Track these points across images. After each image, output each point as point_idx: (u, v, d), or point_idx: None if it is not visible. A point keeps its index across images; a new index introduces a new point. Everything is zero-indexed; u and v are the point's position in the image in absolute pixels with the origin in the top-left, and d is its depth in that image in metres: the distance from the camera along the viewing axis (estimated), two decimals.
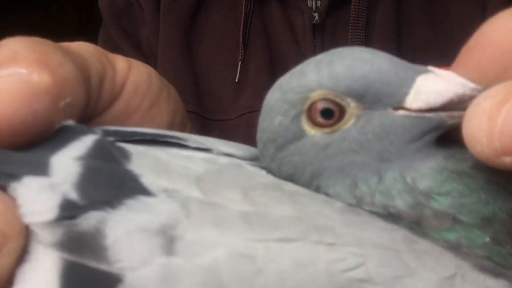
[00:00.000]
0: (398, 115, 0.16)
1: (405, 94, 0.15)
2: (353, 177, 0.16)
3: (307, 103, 0.16)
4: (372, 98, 0.16)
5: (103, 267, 0.13)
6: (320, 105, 0.16)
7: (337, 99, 0.16)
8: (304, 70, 0.17)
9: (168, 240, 0.13)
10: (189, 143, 0.17)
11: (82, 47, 0.22)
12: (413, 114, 0.16)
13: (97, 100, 0.20)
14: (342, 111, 0.16)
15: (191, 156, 0.16)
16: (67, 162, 0.15)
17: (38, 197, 0.14)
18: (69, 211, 0.14)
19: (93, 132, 0.16)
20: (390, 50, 0.59)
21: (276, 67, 0.59)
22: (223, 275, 0.12)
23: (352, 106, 0.16)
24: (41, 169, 0.14)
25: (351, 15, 0.58)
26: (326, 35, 0.59)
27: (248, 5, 0.58)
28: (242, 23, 0.58)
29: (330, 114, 0.16)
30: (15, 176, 0.14)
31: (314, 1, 0.60)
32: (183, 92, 0.55)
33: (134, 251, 0.13)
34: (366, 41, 0.58)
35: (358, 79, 0.16)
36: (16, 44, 0.19)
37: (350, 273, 0.13)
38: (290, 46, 0.59)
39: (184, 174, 0.15)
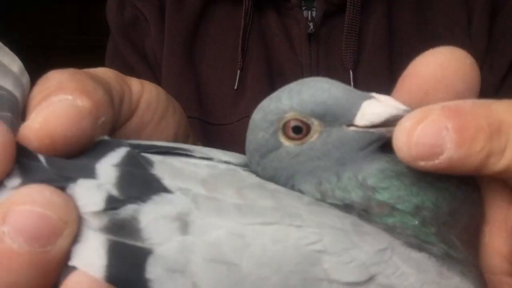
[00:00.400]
0: (350, 130, 0.21)
1: (354, 115, 0.21)
2: (318, 177, 0.21)
3: (282, 122, 0.22)
4: (330, 118, 0.21)
5: (138, 244, 0.18)
6: (292, 123, 0.21)
7: (304, 119, 0.21)
8: (280, 96, 0.22)
9: (183, 224, 0.19)
10: (195, 154, 0.23)
11: (105, 73, 0.25)
12: (361, 130, 0.21)
13: (118, 116, 0.25)
14: (308, 128, 0.21)
15: (197, 163, 0.22)
16: (108, 168, 0.20)
17: (89, 194, 0.19)
18: (112, 204, 0.19)
19: (124, 145, 0.22)
20: (383, 57, 0.59)
21: (274, 74, 0.61)
22: (223, 247, 0.18)
23: (315, 124, 0.21)
24: (90, 173, 0.20)
25: (345, 25, 0.59)
26: (321, 44, 0.61)
27: (247, 17, 0.61)
28: (241, 34, 0.61)
29: (300, 130, 0.21)
30: (72, 179, 0.20)
31: (309, 11, 0.62)
32: (187, 100, 0.59)
33: (159, 232, 0.18)
34: (359, 49, 0.60)
35: (319, 104, 0.21)
36: (60, 76, 0.22)
37: (311, 246, 0.18)
38: (287, 55, 0.61)
39: (193, 177, 0.20)
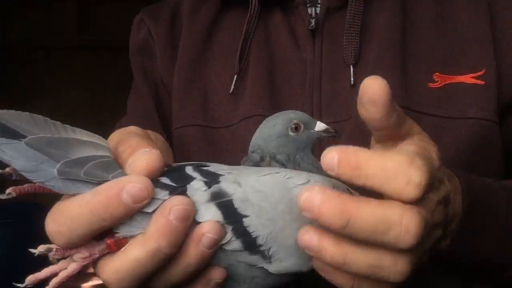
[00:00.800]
0: (313, 132, 0.45)
1: (315, 126, 0.45)
2: (294, 155, 0.44)
3: (292, 123, 0.44)
4: (306, 126, 0.44)
5: (226, 198, 0.38)
6: (294, 124, 0.44)
7: (299, 123, 0.44)
8: (289, 113, 0.45)
9: (237, 183, 0.38)
10: (212, 165, 0.41)
11: (137, 130, 0.45)
12: (315, 132, 0.45)
13: None
14: (299, 128, 0.44)
15: (221, 166, 0.42)
16: (193, 173, 0.39)
17: (197, 186, 0.38)
18: (207, 186, 0.38)
19: (185, 164, 0.41)
20: (393, 55, 0.57)
21: (276, 74, 0.62)
22: (255, 186, 0.39)
23: (302, 127, 0.44)
24: (190, 179, 0.38)
25: (346, 19, 0.59)
26: (325, 40, 0.61)
27: (252, 20, 0.62)
28: (242, 39, 0.63)
29: (297, 129, 0.44)
30: (184, 185, 0.38)
31: (314, 8, 0.62)
32: (192, 111, 0.63)
33: (231, 190, 0.38)
34: (363, 46, 0.59)
35: (303, 118, 0.45)
36: (133, 139, 0.40)
37: (291, 180, 0.39)
38: (292, 52, 0.62)
39: (226, 169, 0.41)
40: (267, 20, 0.64)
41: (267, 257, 0.37)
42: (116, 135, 0.42)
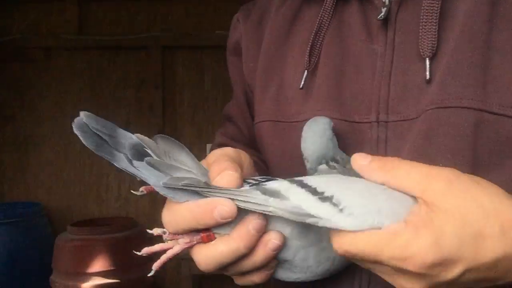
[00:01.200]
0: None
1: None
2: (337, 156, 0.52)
3: (331, 127, 0.53)
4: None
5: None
6: (332, 129, 0.53)
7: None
8: (323, 118, 0.54)
9: (301, 184, 0.47)
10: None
11: (232, 153, 0.55)
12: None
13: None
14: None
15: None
16: (273, 180, 0.50)
17: (279, 183, 0.48)
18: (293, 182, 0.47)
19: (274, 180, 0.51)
20: (474, 48, 0.50)
21: (346, 69, 0.58)
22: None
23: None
24: (272, 179, 0.51)
25: (422, 8, 0.52)
26: (397, 30, 0.55)
27: (325, 15, 0.60)
28: (313, 34, 0.60)
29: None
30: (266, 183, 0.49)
31: None
32: (267, 106, 0.65)
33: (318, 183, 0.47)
34: (441, 37, 0.52)
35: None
36: (222, 164, 0.51)
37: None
38: (363, 44, 0.57)
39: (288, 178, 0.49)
40: (343, 12, 0.60)
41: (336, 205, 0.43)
42: (214, 155, 0.53)
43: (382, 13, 0.55)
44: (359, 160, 0.46)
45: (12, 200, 3.10)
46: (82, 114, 0.50)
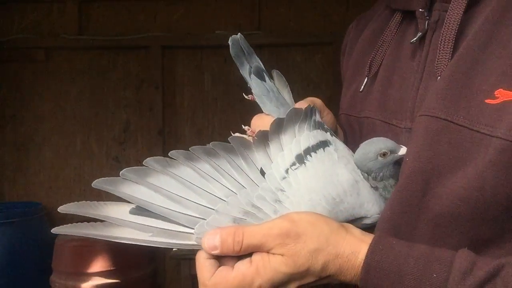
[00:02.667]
0: (385, 157, 0.65)
1: (399, 151, 0.64)
2: (379, 173, 0.66)
3: (381, 151, 0.64)
4: (392, 151, 0.64)
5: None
6: (382, 152, 0.63)
7: (387, 151, 0.63)
8: (380, 143, 0.64)
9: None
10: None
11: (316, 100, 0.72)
12: (399, 155, 0.65)
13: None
14: (386, 154, 0.63)
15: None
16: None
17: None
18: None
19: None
20: (463, 67, 0.56)
21: (394, 81, 0.68)
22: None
23: (389, 153, 0.64)
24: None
25: (441, 35, 0.59)
26: (430, 51, 0.63)
27: (388, 33, 0.71)
28: (376, 49, 0.72)
29: (385, 155, 0.63)
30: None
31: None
32: (344, 102, 0.81)
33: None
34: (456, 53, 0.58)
35: (390, 146, 0.64)
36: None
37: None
38: (406, 60, 0.67)
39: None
40: (406, 31, 0.69)
41: None
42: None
43: (415, 38, 0.64)
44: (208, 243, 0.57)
45: (12, 200, 3.10)
46: (239, 35, 0.70)
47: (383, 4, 0.79)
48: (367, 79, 0.73)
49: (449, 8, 0.59)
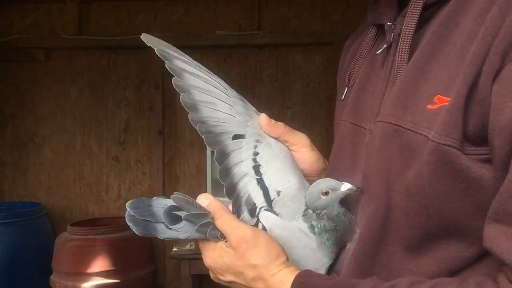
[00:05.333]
0: (327, 196, 0.69)
1: (340, 188, 0.69)
2: (323, 210, 0.71)
3: (322, 191, 0.69)
4: (333, 189, 0.69)
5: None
6: (324, 191, 0.69)
7: (327, 190, 0.69)
8: (321, 183, 0.70)
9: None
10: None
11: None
12: (341, 192, 0.69)
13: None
14: (328, 193, 0.69)
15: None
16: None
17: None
18: None
19: None
20: (411, 78, 0.63)
21: (367, 88, 0.74)
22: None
23: (330, 192, 0.69)
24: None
25: (398, 47, 0.66)
26: (395, 61, 0.67)
27: (365, 45, 0.77)
28: (353, 61, 0.78)
29: (327, 193, 0.69)
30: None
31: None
32: (335, 112, 0.86)
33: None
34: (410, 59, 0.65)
35: (331, 185, 0.69)
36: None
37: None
38: (377, 68, 0.72)
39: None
40: (380, 44, 0.74)
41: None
42: None
43: (381, 49, 0.71)
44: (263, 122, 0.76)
45: (12, 200, 3.10)
46: (127, 206, 0.69)
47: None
48: (347, 88, 0.80)
49: (404, 23, 0.65)
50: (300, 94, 3.08)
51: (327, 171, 0.79)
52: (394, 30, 0.69)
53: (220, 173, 0.70)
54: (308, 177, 0.78)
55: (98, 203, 3.13)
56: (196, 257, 2.39)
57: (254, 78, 3.05)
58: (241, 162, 0.71)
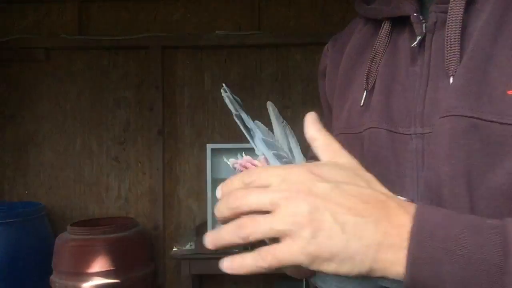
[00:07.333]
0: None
1: None
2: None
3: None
4: None
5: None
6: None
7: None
8: None
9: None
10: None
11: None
12: None
13: None
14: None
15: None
16: None
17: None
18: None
19: None
20: (477, 63, 0.56)
21: (395, 89, 0.67)
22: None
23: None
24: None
25: (446, 34, 0.59)
26: (432, 54, 0.63)
27: (380, 42, 0.69)
28: (370, 60, 0.70)
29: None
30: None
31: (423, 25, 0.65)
32: (340, 120, 0.75)
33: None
34: (462, 54, 0.59)
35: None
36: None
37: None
38: (407, 66, 0.66)
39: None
40: (397, 39, 0.68)
41: None
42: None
43: (416, 42, 0.63)
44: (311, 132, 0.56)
45: (12, 200, 3.10)
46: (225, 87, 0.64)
47: (361, 21, 0.80)
48: (366, 92, 0.70)
49: (449, 8, 0.59)
50: (300, 94, 3.08)
51: None
52: (423, 21, 0.63)
53: None
54: None
55: (98, 203, 3.13)
56: (196, 257, 2.39)
57: (254, 78, 3.05)
58: None
